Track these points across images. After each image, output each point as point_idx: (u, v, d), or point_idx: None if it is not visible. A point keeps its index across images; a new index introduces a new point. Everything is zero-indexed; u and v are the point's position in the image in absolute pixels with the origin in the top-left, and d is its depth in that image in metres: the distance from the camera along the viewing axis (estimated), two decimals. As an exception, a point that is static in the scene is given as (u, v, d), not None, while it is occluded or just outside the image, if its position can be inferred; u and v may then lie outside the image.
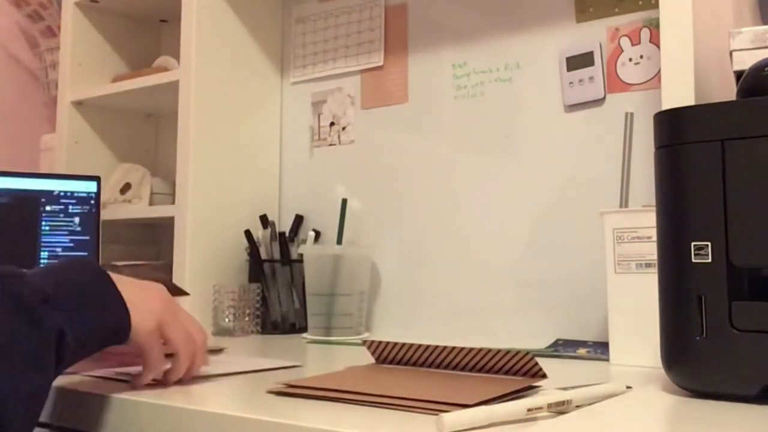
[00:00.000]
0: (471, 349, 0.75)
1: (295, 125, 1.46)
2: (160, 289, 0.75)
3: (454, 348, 0.76)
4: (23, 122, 1.86)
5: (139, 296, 0.71)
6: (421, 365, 0.80)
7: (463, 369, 0.76)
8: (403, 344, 0.80)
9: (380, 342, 0.82)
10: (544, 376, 0.70)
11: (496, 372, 0.74)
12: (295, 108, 1.46)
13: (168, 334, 0.73)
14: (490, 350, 0.74)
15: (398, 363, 0.82)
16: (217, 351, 1.04)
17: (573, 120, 1.14)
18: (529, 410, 0.57)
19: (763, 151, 0.62)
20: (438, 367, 0.79)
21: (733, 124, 0.64)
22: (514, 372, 0.72)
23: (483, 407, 0.55)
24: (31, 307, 0.61)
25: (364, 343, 0.85)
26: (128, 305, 0.69)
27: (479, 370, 0.75)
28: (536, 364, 0.71)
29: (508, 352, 0.72)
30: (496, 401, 0.61)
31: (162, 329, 0.72)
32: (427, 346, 0.78)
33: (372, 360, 0.84)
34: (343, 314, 1.22)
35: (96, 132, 1.60)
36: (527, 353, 0.71)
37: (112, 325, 0.68)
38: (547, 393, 0.64)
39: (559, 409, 0.60)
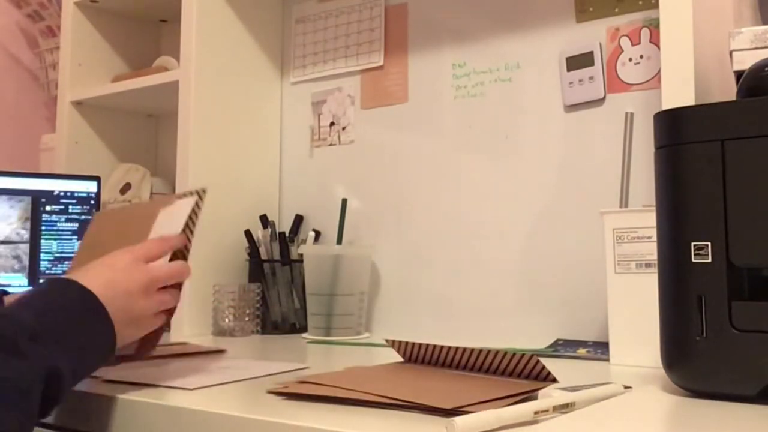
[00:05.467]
0: (489, 351, 0.75)
1: (295, 125, 1.46)
2: (133, 270, 0.73)
3: (474, 350, 0.76)
4: (23, 122, 1.86)
5: (122, 303, 0.70)
6: (434, 364, 0.80)
7: (479, 370, 0.76)
8: (421, 344, 0.81)
9: (401, 342, 0.83)
10: (554, 380, 0.70)
11: (509, 375, 0.74)
12: (295, 108, 1.46)
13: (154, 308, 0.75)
14: (505, 353, 0.73)
15: (417, 362, 0.82)
16: (217, 352, 1.03)
17: (573, 120, 1.14)
18: (536, 413, 0.58)
19: (763, 151, 0.62)
20: (451, 366, 0.79)
21: (733, 124, 0.64)
22: (525, 375, 0.72)
23: (492, 410, 0.56)
24: (16, 346, 0.58)
25: (387, 341, 0.85)
26: (112, 318, 0.68)
27: (493, 372, 0.75)
28: (544, 367, 0.71)
29: (514, 354, 0.72)
30: (503, 402, 0.61)
31: (145, 313, 0.74)
32: (442, 347, 0.79)
33: (374, 361, 0.84)
34: (343, 314, 1.22)
35: (96, 132, 1.60)
36: (532, 356, 0.71)
37: (101, 346, 0.68)
38: (553, 395, 0.64)
39: (565, 411, 0.60)
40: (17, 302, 0.65)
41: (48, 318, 0.63)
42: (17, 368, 0.57)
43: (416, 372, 0.78)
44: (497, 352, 0.74)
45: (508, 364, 0.73)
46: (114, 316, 0.69)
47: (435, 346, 0.80)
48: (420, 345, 0.81)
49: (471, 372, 0.77)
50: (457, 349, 0.77)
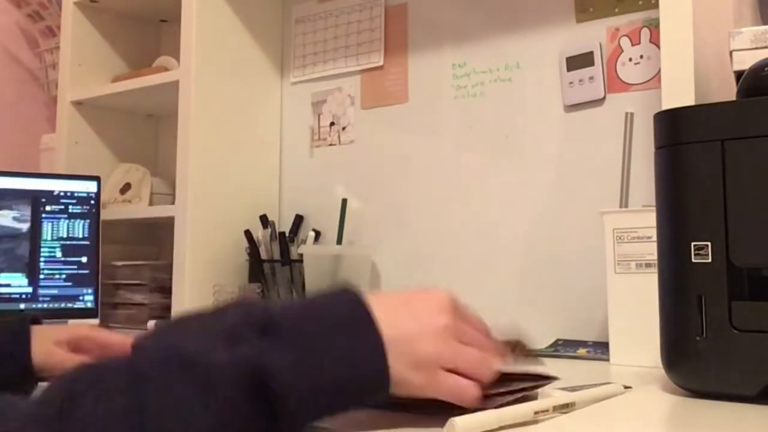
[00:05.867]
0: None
1: (295, 125, 1.46)
2: (440, 304, 0.57)
3: None
4: (23, 122, 1.86)
5: (406, 329, 0.53)
6: None
7: None
8: None
9: None
10: (554, 380, 0.70)
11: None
12: (295, 108, 1.46)
13: (452, 369, 0.55)
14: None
15: None
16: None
17: (573, 120, 1.14)
18: (536, 413, 0.58)
19: (763, 151, 0.62)
20: None
21: (733, 124, 0.64)
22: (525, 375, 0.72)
23: (492, 410, 0.56)
24: (232, 335, 0.47)
25: None
26: (386, 346, 0.50)
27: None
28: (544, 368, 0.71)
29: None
30: (503, 397, 0.61)
31: (440, 370, 0.55)
32: None
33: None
34: (343, 314, 1.22)
35: (96, 132, 1.60)
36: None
37: (356, 379, 0.50)
38: (553, 395, 0.64)
39: (565, 411, 0.60)
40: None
41: (293, 314, 0.50)
42: (218, 358, 0.45)
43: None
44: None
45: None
46: (389, 346, 0.51)
47: None
48: None
49: None
50: None
